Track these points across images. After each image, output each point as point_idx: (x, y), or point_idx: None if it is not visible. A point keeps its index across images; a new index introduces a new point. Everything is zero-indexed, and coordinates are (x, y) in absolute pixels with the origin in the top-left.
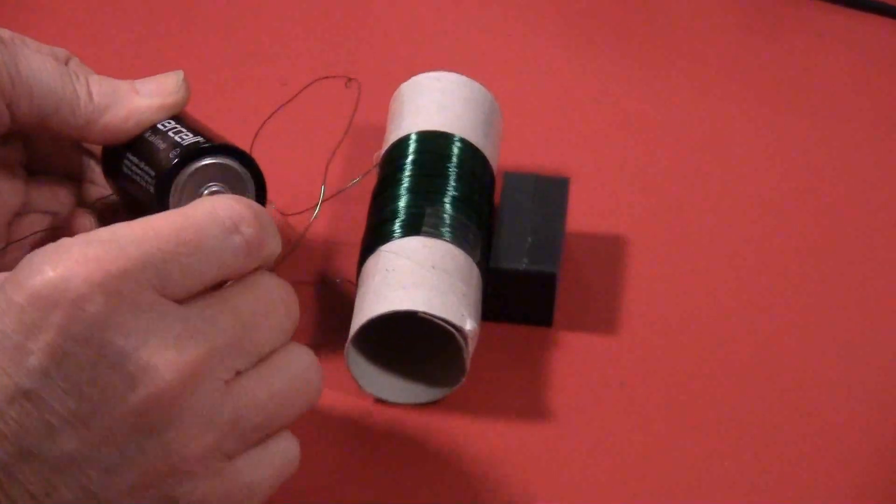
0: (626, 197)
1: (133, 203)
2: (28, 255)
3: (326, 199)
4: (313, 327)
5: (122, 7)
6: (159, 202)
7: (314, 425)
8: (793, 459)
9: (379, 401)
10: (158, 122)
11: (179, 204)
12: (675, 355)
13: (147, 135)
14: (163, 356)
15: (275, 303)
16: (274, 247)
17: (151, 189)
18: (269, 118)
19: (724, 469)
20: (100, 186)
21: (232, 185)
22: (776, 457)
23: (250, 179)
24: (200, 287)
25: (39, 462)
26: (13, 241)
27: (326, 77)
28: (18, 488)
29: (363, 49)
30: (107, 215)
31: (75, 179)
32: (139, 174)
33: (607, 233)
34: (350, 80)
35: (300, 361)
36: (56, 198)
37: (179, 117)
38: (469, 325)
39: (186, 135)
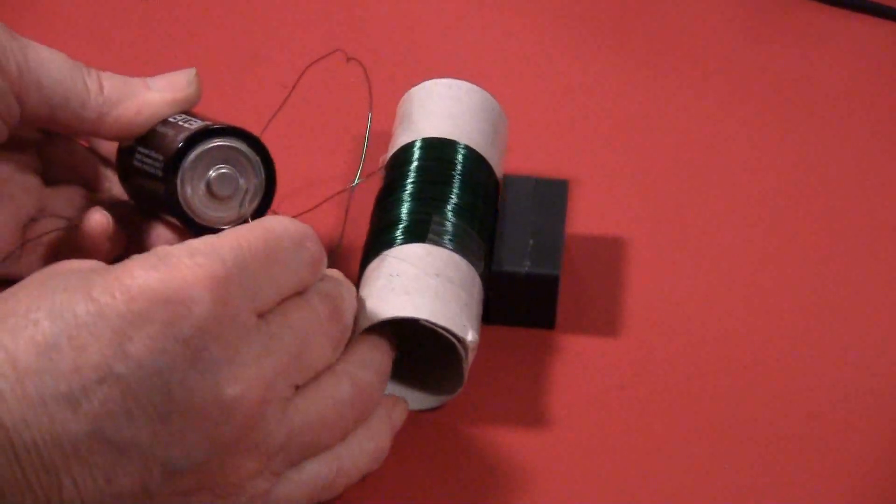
0: (626, 199)
1: (147, 201)
2: (135, 256)
3: (328, 200)
4: None
5: (121, 11)
6: (167, 187)
7: None
8: (794, 462)
9: None
10: (169, 116)
11: (187, 189)
12: (676, 357)
13: (158, 127)
14: (246, 373)
15: (324, 318)
16: (325, 266)
17: (160, 173)
18: (272, 117)
19: (726, 471)
20: (115, 195)
21: (242, 170)
22: (778, 459)
23: (260, 164)
24: (280, 300)
25: (109, 446)
26: (29, 241)
27: (320, 58)
28: (83, 467)
29: (367, 53)
30: (123, 220)
31: (91, 189)
32: (149, 163)
33: (608, 235)
34: (350, 58)
35: (347, 386)
36: (71, 204)
37: (191, 112)
38: (470, 335)
39: (196, 122)
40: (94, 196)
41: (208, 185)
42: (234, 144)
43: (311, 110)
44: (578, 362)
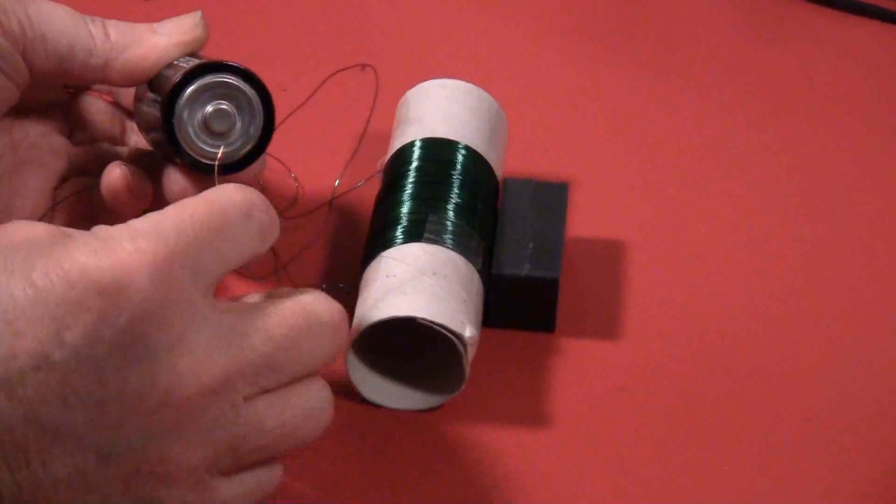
0: (626, 202)
1: (158, 146)
2: (77, 237)
3: (330, 202)
4: None
5: (123, 12)
6: (165, 126)
7: None
8: (794, 466)
9: (379, 407)
10: (175, 59)
11: (185, 125)
12: (675, 360)
13: (163, 71)
14: (188, 362)
15: (311, 333)
16: (277, 234)
17: (159, 112)
18: (286, 118)
19: (725, 475)
20: (141, 147)
21: (239, 106)
22: (777, 463)
23: (258, 101)
24: (226, 273)
25: (44, 431)
26: (59, 202)
27: (344, 69)
28: (18, 452)
29: (367, 55)
30: (148, 170)
31: (117, 143)
32: (154, 106)
33: (607, 238)
34: (364, 66)
35: (316, 399)
36: (99, 161)
37: (198, 54)
38: (468, 331)
39: (196, 61)
40: (119, 150)
41: (205, 120)
42: (231, 81)
43: (314, 113)
44: (578, 365)
